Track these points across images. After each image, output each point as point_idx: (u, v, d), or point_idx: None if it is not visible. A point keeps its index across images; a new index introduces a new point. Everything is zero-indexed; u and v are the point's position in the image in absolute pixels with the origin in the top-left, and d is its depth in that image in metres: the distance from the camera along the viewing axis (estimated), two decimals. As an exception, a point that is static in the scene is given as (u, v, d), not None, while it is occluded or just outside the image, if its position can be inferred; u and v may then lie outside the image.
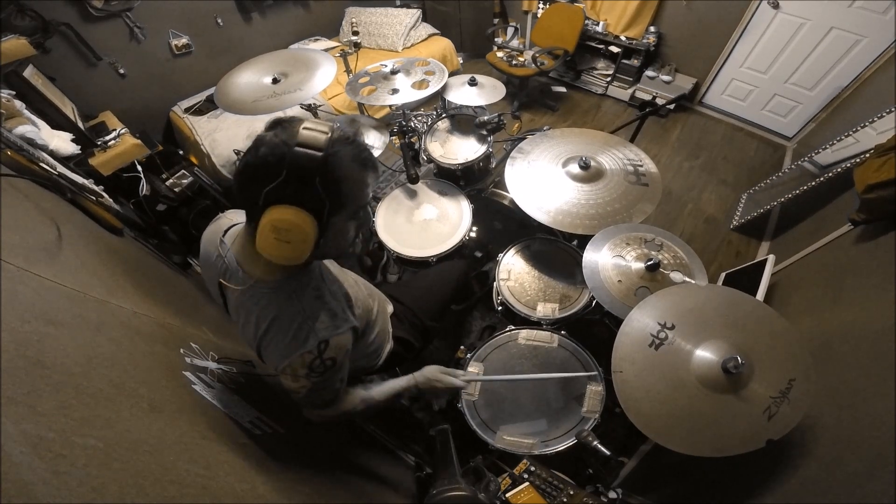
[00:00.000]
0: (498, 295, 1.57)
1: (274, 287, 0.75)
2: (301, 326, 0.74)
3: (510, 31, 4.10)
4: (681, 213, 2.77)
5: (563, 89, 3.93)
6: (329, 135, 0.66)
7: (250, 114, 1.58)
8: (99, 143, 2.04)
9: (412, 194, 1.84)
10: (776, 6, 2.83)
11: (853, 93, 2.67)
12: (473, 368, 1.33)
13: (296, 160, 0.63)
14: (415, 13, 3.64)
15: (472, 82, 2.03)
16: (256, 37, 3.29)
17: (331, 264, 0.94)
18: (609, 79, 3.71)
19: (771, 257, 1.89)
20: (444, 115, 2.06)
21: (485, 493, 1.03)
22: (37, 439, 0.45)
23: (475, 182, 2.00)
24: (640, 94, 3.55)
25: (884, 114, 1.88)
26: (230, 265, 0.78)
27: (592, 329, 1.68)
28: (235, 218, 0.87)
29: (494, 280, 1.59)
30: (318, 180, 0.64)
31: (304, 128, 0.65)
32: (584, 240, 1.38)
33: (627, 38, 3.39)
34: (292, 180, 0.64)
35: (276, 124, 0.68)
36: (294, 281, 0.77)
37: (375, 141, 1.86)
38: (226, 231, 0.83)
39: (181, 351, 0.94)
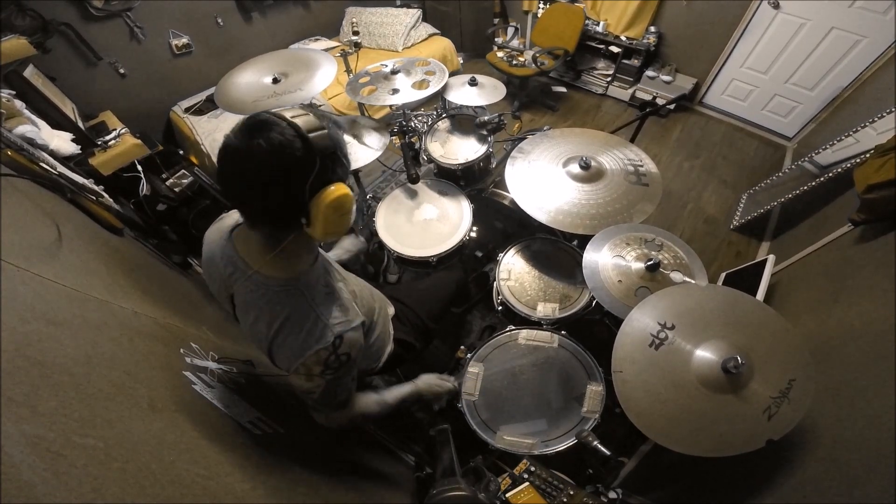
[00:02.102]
0: (498, 294, 1.57)
1: (284, 284, 0.75)
2: (315, 323, 0.74)
3: (510, 31, 4.10)
4: (681, 213, 2.77)
5: (563, 89, 3.93)
6: (309, 113, 0.69)
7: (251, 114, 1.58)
8: (99, 142, 2.04)
9: (412, 194, 1.84)
10: (776, 6, 2.83)
11: (853, 93, 2.67)
12: (474, 368, 1.33)
13: (319, 145, 0.66)
14: (415, 13, 3.64)
15: (473, 82, 2.03)
16: (256, 37, 3.29)
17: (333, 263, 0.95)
18: (609, 79, 3.71)
19: (771, 257, 1.89)
20: (444, 115, 2.06)
21: (485, 493, 1.03)
22: (37, 439, 0.45)
23: (475, 182, 2.00)
24: (640, 94, 3.55)
25: (884, 114, 1.88)
26: (238, 265, 0.78)
27: (592, 329, 1.68)
28: (240, 218, 0.87)
29: (494, 280, 1.59)
30: (339, 152, 0.69)
31: (293, 117, 0.66)
32: (584, 240, 1.38)
33: (627, 38, 3.39)
34: (326, 163, 0.66)
35: (255, 129, 0.64)
36: (304, 277, 0.77)
37: (375, 141, 1.86)
38: (232, 231, 0.82)
39: (181, 351, 0.94)
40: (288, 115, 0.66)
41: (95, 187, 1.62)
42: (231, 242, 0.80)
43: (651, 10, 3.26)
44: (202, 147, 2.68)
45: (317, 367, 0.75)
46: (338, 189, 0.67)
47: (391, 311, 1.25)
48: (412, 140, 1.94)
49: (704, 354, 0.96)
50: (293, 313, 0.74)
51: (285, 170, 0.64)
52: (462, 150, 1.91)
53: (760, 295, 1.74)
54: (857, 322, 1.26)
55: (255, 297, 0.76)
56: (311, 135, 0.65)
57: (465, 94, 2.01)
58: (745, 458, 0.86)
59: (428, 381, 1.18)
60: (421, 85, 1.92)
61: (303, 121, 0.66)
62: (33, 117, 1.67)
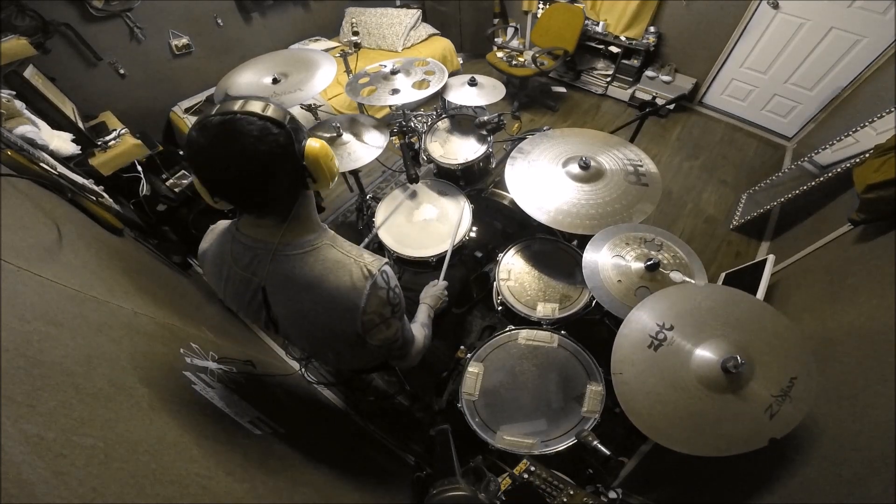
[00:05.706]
0: (498, 295, 1.57)
1: (312, 243, 0.76)
2: (356, 264, 0.76)
3: (510, 31, 4.10)
4: (681, 213, 2.77)
5: (562, 89, 3.93)
6: (260, 99, 0.68)
7: (250, 114, 1.58)
8: (99, 143, 2.04)
9: (412, 194, 1.84)
10: (776, 6, 2.83)
11: (853, 93, 2.67)
12: (473, 368, 1.33)
13: (280, 118, 0.66)
14: (415, 13, 3.64)
15: (472, 82, 2.03)
16: (256, 37, 3.29)
17: None
18: (609, 79, 3.71)
19: (771, 257, 1.89)
20: (444, 116, 2.06)
21: (485, 493, 1.03)
22: (37, 439, 0.45)
23: (475, 182, 2.00)
24: (639, 94, 3.55)
25: (883, 114, 1.88)
26: (258, 250, 0.76)
27: (592, 329, 1.68)
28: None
29: (494, 280, 1.59)
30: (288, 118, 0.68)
31: (244, 105, 0.66)
32: (584, 240, 1.38)
33: (627, 38, 3.39)
34: (294, 126, 0.68)
35: (230, 138, 0.65)
36: (324, 234, 0.79)
37: (375, 141, 1.86)
38: (235, 226, 0.80)
39: (181, 351, 0.94)
40: (236, 106, 0.65)
41: (95, 188, 1.63)
42: (241, 234, 0.78)
43: (651, 10, 3.26)
44: (202, 147, 2.67)
45: (386, 309, 0.78)
46: (316, 141, 0.71)
47: None
48: (412, 140, 1.94)
49: (704, 354, 0.95)
50: (334, 265, 0.75)
51: (279, 158, 0.66)
52: (462, 150, 1.91)
53: (760, 295, 1.74)
54: (857, 322, 1.26)
55: (289, 267, 0.75)
56: (268, 112, 0.65)
57: (464, 95, 2.01)
58: (745, 457, 0.86)
59: (432, 294, 1.26)
60: (421, 85, 1.92)
61: (259, 105, 0.66)
62: (33, 118, 1.67)
